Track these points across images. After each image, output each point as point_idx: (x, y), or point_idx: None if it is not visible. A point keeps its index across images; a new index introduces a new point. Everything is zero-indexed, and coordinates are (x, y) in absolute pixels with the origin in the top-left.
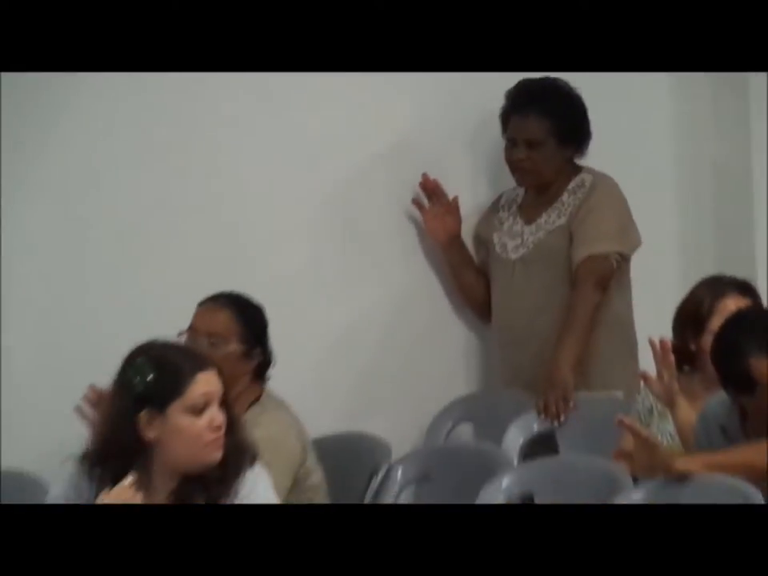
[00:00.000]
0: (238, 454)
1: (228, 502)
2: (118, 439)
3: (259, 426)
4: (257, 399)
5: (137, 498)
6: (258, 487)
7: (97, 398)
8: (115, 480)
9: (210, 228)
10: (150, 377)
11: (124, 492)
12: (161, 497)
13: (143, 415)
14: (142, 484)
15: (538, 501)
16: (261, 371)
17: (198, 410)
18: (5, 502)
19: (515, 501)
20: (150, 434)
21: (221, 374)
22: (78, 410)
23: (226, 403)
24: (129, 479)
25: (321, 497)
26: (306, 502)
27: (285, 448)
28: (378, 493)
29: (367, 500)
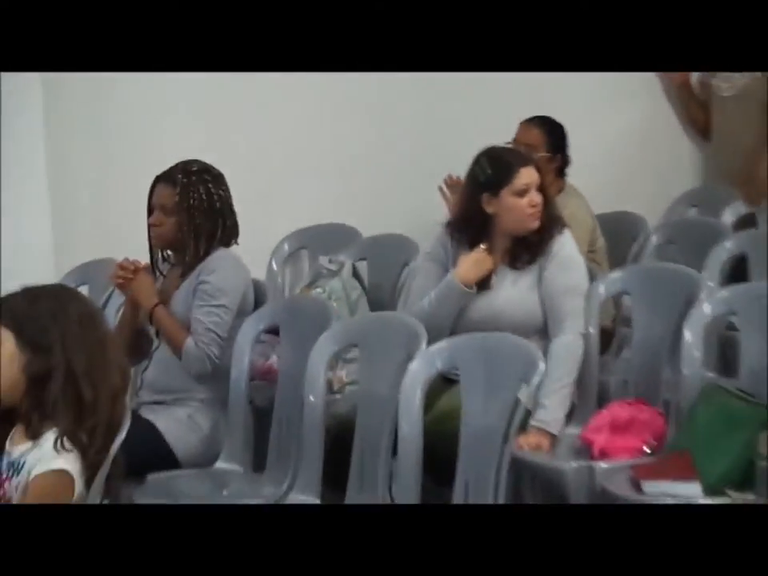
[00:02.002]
0: (551, 224)
1: (542, 256)
2: (468, 212)
3: (565, 208)
4: (561, 189)
5: (488, 260)
6: (565, 247)
7: (451, 182)
8: (471, 243)
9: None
10: (489, 171)
11: (480, 254)
12: (499, 255)
13: (484, 197)
14: (490, 247)
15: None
16: (562, 169)
17: (522, 193)
18: (388, 256)
19: (736, 258)
20: (489, 209)
21: (538, 168)
22: (440, 189)
23: (542, 188)
24: (483, 245)
25: (602, 255)
26: (591, 260)
27: (583, 221)
28: (638, 252)
29: (629, 258)
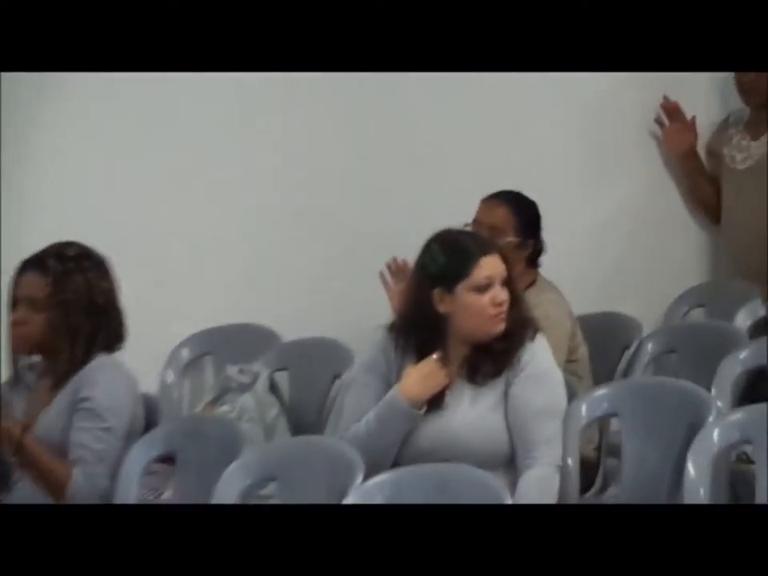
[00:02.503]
0: (520, 327)
1: (509, 368)
2: (416, 312)
3: (537, 306)
4: (533, 283)
5: (441, 372)
6: (537, 357)
7: (396, 268)
8: (419, 351)
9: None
10: (442, 261)
11: (431, 364)
12: (455, 366)
13: (436, 293)
14: (443, 356)
15: None
16: (534, 258)
17: (482, 289)
18: (315, 366)
19: (752, 372)
20: (443, 308)
21: (504, 257)
22: (381, 275)
23: (509, 282)
24: (436, 355)
25: (584, 367)
26: (571, 373)
27: (560, 323)
28: (630, 364)
29: (619, 371)
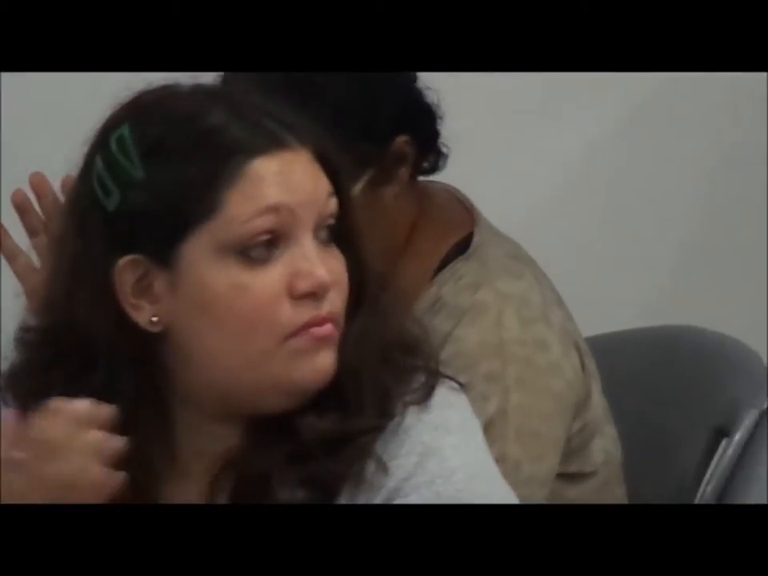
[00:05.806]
0: (378, 368)
1: (358, 492)
2: (70, 327)
3: (471, 322)
4: (459, 246)
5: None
6: (442, 452)
7: (24, 203)
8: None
9: None
10: (139, 174)
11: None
12: (196, 484)
13: (123, 266)
14: (153, 451)
15: None
16: (418, 164)
17: (260, 254)
18: None
19: None
20: (145, 314)
21: (327, 159)
22: None
23: (349, 238)
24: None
25: (604, 490)
26: (579, 496)
27: (539, 369)
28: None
29: (706, 494)
